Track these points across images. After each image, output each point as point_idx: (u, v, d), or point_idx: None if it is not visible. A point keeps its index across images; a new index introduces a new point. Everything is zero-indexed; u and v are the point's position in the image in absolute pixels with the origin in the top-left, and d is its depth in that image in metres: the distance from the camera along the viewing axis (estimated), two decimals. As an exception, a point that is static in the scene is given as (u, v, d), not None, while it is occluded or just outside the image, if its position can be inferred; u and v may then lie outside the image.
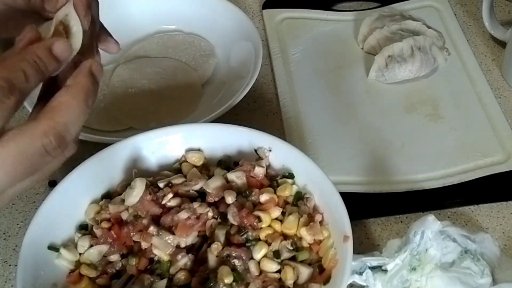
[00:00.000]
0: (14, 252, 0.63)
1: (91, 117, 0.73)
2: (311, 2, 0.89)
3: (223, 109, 0.69)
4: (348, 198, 0.56)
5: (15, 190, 0.40)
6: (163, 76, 0.78)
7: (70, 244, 0.57)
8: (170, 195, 0.57)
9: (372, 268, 0.58)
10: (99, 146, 0.61)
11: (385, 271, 0.57)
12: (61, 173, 0.68)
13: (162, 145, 0.63)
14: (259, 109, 0.77)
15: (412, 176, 0.69)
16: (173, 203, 0.57)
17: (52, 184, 0.68)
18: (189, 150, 0.63)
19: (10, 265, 0.62)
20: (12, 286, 0.61)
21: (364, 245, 0.63)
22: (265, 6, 0.90)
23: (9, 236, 0.65)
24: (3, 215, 0.67)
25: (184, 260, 0.54)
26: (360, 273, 0.58)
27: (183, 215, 0.55)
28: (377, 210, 0.66)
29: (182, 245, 0.55)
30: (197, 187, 0.58)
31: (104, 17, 0.51)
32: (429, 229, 0.58)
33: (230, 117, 0.69)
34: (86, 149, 0.64)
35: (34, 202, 0.68)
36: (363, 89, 0.78)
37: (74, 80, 0.41)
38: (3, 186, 0.38)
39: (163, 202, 0.57)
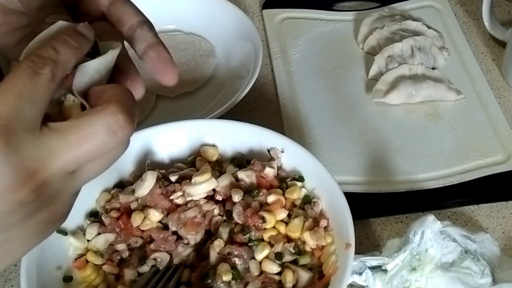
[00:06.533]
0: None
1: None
2: (311, 2, 0.89)
3: (223, 109, 0.69)
4: (348, 198, 0.56)
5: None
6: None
7: (79, 232, 0.57)
8: (180, 193, 0.57)
9: (372, 268, 0.58)
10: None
11: (385, 271, 0.57)
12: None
13: (177, 138, 0.63)
14: (259, 109, 0.77)
15: (412, 176, 0.69)
16: (180, 201, 0.57)
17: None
18: (204, 145, 0.63)
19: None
20: (12, 286, 0.61)
21: (364, 245, 0.63)
22: (265, 6, 0.90)
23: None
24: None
25: (186, 251, 0.55)
26: (360, 273, 0.58)
27: (190, 213, 0.56)
28: (377, 210, 0.66)
29: (192, 243, 0.56)
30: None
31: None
32: (429, 229, 0.57)
33: (230, 117, 0.68)
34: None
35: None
36: (363, 89, 0.78)
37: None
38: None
39: (172, 197, 0.57)
